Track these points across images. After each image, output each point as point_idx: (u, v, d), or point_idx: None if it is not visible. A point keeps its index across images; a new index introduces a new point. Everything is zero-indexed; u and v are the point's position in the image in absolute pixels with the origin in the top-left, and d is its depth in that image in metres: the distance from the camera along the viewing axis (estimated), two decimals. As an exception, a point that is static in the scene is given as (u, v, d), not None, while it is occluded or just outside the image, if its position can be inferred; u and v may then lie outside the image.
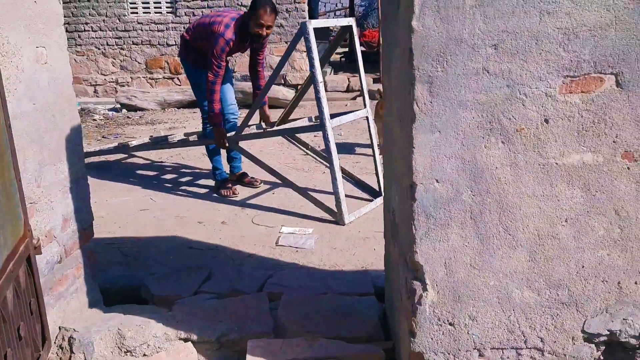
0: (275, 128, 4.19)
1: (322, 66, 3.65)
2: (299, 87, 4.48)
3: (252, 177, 4.36)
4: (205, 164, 4.63)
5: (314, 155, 4.55)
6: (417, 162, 1.41)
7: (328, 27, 7.44)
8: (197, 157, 5.12)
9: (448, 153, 1.40)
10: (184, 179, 4.56)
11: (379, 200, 3.66)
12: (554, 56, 1.34)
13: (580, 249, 1.45)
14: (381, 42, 6.27)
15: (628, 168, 1.40)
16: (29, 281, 1.73)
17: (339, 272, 2.76)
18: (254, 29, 3.80)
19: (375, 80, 8.21)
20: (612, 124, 1.38)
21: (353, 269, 2.83)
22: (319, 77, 3.38)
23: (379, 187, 3.88)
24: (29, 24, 1.83)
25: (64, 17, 2.12)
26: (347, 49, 10.94)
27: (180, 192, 4.19)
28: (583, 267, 1.47)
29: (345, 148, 5.33)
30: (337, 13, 15.65)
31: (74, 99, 2.11)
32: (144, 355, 1.92)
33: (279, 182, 4.14)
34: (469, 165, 1.41)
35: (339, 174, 3.50)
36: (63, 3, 7.68)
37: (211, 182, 4.29)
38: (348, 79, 8.66)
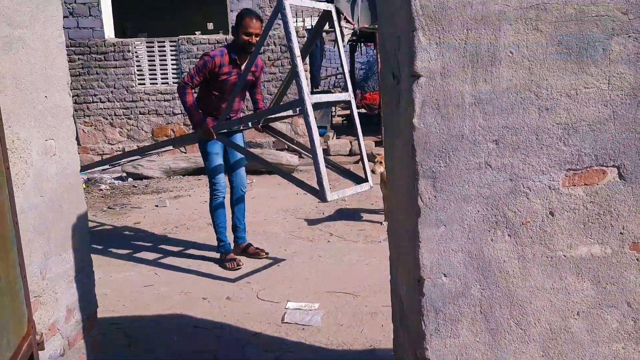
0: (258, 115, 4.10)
1: (303, 57, 3.77)
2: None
3: (257, 248, 4.29)
4: (210, 235, 4.62)
5: (298, 148, 4.48)
6: (424, 256, 1.40)
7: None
8: (201, 227, 5.12)
9: (454, 247, 1.39)
10: (188, 251, 4.54)
11: (365, 186, 3.70)
12: (555, 150, 1.35)
13: (594, 342, 1.42)
14: (381, 105, 6.34)
15: (637, 259, 1.39)
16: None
17: (347, 353, 2.69)
18: (243, 39, 3.90)
19: (377, 143, 8.31)
20: (617, 215, 1.38)
21: (361, 348, 2.76)
22: (296, 51, 3.26)
23: (365, 175, 3.76)
24: (39, 119, 1.87)
25: (74, 89, 2.17)
26: (348, 112, 11.15)
27: (184, 266, 4.16)
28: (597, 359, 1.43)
29: (350, 215, 5.32)
30: (339, 77, 16.04)
31: (80, 187, 2.14)
32: None
33: (283, 256, 4.14)
34: (476, 259, 1.40)
35: (319, 150, 3.32)
36: (72, 76, 7.85)
37: (216, 254, 4.26)
38: (350, 142, 8.77)
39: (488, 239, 1.39)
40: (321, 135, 9.09)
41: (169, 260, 4.31)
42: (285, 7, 3.34)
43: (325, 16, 3.82)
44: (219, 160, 4.11)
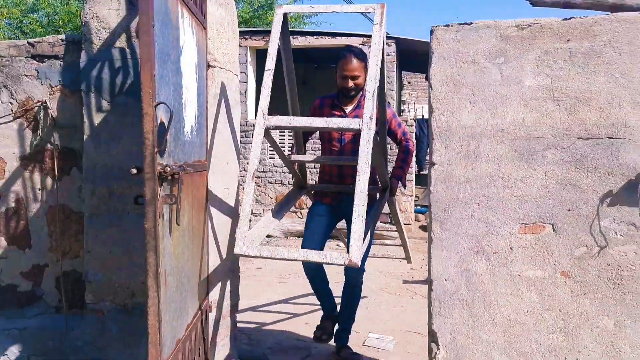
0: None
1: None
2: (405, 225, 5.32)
3: (353, 354, 3.56)
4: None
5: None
6: (433, 268, 2.41)
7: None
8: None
9: (452, 263, 2.39)
10: (295, 292, 5.66)
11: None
12: (513, 211, 2.33)
13: (537, 331, 2.30)
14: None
15: (565, 281, 2.28)
16: (199, 332, 2.85)
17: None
18: (340, 84, 3.31)
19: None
20: (552, 253, 2.30)
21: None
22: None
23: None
24: (224, 174, 3.16)
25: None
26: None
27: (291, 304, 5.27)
28: (540, 344, 2.30)
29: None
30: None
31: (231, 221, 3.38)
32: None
33: (372, 304, 5.06)
34: (465, 271, 2.37)
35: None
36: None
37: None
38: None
39: (472, 260, 2.37)
40: (422, 213, 10.04)
41: (282, 295, 5.46)
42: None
43: None
44: (313, 226, 3.45)
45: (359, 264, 2.20)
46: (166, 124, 1.98)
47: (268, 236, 9.21)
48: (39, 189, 3.03)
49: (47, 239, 3.03)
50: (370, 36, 10.52)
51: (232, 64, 3.13)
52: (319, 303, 3.73)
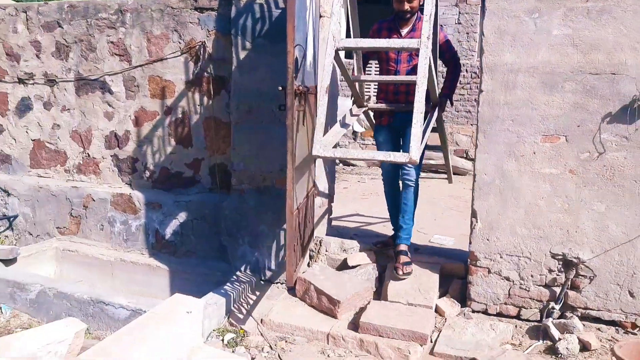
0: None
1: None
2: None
3: (403, 264, 3.66)
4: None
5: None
6: (477, 165, 3.39)
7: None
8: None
9: (490, 162, 3.36)
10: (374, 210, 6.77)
11: None
12: (537, 126, 3.24)
13: (549, 211, 3.26)
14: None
15: (571, 177, 3.21)
16: (309, 207, 4.01)
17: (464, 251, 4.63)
18: (397, 7, 3.61)
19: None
20: (563, 156, 3.21)
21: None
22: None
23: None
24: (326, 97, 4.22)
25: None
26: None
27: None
28: (550, 220, 3.26)
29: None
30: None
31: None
32: (350, 254, 4.06)
33: (440, 217, 6.06)
34: (499, 169, 3.34)
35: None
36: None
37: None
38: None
39: (505, 160, 3.32)
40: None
41: (365, 207, 6.59)
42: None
43: None
44: (384, 149, 3.81)
45: (418, 161, 2.70)
46: (299, 60, 3.07)
47: (353, 165, 10.35)
48: (198, 105, 4.27)
49: (203, 140, 4.29)
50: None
51: (336, 14, 4.14)
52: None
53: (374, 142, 4.17)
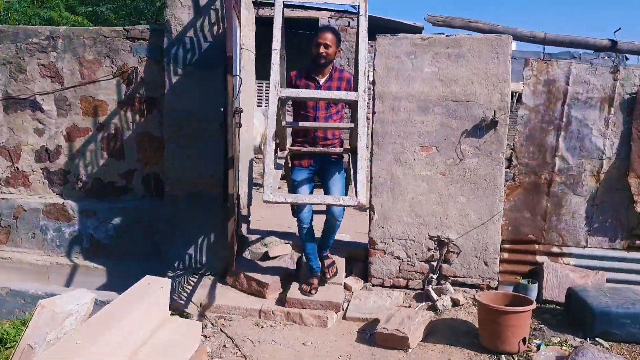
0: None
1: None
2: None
3: (328, 267, 4.30)
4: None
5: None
6: (373, 170, 4.35)
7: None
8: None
9: (383, 167, 4.34)
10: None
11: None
12: (416, 139, 4.28)
13: (427, 204, 4.30)
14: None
15: (442, 177, 4.28)
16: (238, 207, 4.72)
17: (359, 243, 5.59)
18: (314, 52, 3.86)
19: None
20: (435, 162, 4.28)
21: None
22: (276, 43, 3.22)
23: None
24: (248, 115, 5.00)
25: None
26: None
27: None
28: (428, 210, 4.31)
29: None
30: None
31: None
32: (270, 247, 4.82)
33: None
34: (389, 172, 4.33)
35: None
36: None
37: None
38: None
39: (393, 166, 4.32)
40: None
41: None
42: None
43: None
44: (302, 191, 4.03)
45: (365, 204, 3.20)
46: (237, 86, 3.82)
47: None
48: (131, 122, 4.81)
49: (135, 153, 4.83)
50: (336, 10, 12.19)
51: (251, 45, 4.94)
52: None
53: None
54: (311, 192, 4.10)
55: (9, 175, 5.05)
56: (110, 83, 4.79)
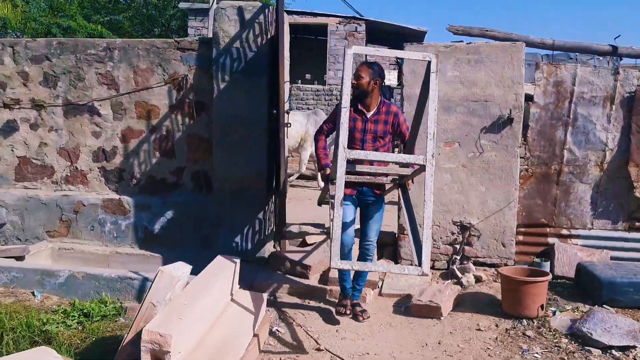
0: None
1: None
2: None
3: (361, 311, 4.13)
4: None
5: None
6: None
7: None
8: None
9: (411, 161, 4.89)
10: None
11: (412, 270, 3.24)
12: (440, 136, 4.83)
13: (450, 193, 4.85)
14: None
15: (463, 169, 4.83)
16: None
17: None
18: (351, 83, 3.63)
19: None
20: (458, 156, 4.82)
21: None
22: (344, 102, 3.22)
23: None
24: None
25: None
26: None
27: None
28: (451, 199, 4.85)
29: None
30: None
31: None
32: (307, 235, 5.35)
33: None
34: (417, 165, 4.87)
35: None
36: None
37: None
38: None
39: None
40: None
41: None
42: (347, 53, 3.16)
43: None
44: (346, 210, 3.89)
45: (429, 274, 3.31)
46: (287, 91, 4.36)
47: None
48: (181, 124, 5.34)
49: (185, 152, 5.36)
50: (344, 16, 12.82)
51: (287, 54, 5.48)
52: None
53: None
54: (353, 219, 4.08)
55: (69, 174, 5.57)
56: (162, 89, 5.33)
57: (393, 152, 4.21)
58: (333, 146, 3.84)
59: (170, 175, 5.43)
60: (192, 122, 5.33)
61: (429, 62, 3.30)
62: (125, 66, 5.36)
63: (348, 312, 4.08)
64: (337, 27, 12.96)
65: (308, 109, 12.10)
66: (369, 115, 3.95)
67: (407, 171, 3.85)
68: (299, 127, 8.45)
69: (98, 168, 5.53)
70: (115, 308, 4.18)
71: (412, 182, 4.13)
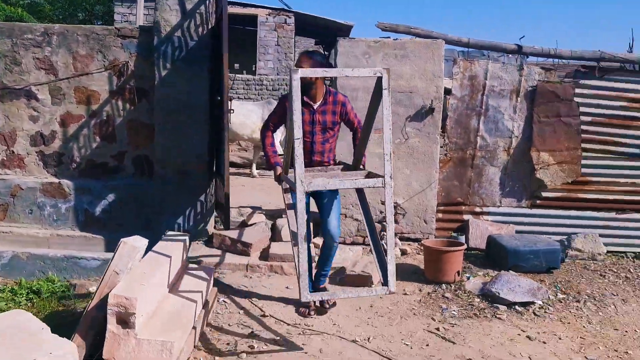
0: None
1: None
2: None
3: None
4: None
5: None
6: (337, 150, 5.33)
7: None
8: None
9: (344, 146, 5.32)
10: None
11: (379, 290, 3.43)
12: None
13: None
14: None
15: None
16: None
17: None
18: None
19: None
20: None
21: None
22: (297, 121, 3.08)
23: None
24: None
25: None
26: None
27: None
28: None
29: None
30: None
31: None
32: (246, 217, 5.67)
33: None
34: (349, 151, 5.32)
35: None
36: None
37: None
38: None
39: (352, 144, 5.32)
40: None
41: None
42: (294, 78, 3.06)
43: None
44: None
45: (395, 291, 3.20)
46: (228, 79, 4.66)
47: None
48: (122, 110, 5.48)
49: (126, 137, 5.51)
50: (273, 8, 13.08)
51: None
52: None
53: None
54: (308, 211, 3.98)
55: (5, 158, 5.56)
56: (103, 75, 5.44)
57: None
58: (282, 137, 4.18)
59: (111, 159, 5.56)
60: (133, 107, 5.48)
61: (379, 78, 3.41)
62: (64, 51, 5.42)
63: (312, 312, 3.95)
64: (267, 18, 13.22)
65: (239, 98, 12.30)
66: (315, 106, 3.87)
67: (360, 181, 3.69)
68: (255, 117, 8.60)
69: (36, 152, 5.55)
70: (63, 285, 4.33)
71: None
